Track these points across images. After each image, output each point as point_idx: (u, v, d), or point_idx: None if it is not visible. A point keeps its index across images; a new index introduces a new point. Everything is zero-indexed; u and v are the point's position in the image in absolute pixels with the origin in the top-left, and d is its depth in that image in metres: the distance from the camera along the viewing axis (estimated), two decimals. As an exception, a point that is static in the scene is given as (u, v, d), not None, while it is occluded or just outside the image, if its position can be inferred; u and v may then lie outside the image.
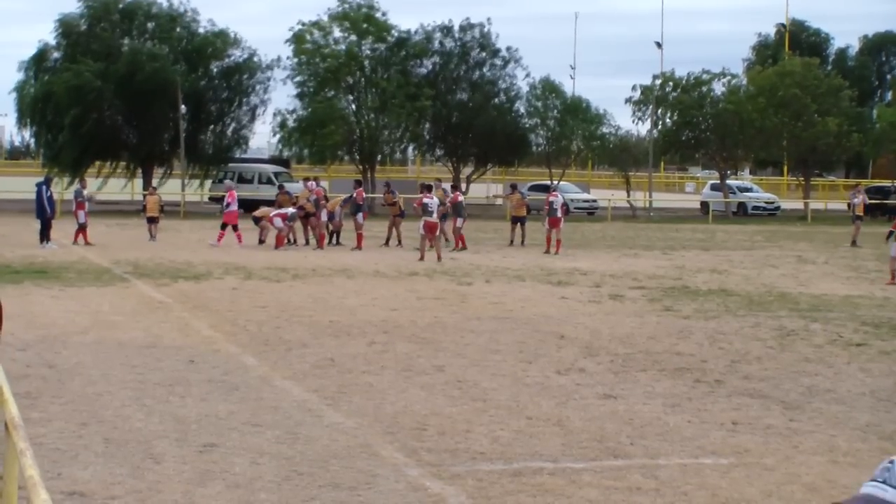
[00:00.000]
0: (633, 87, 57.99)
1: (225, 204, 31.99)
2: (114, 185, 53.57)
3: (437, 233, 28.53)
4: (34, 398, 10.89)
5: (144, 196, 33.85)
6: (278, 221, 30.83)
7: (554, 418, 10.54)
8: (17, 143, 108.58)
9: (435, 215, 28.44)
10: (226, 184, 34.58)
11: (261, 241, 31.54)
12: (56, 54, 52.16)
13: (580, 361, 13.59)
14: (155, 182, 46.98)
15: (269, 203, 34.78)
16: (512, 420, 10.39)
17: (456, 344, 14.75)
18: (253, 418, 10.25)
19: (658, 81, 58.67)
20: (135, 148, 52.92)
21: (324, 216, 31.71)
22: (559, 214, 31.56)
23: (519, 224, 33.54)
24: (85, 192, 32.09)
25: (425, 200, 28.60)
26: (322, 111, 51.57)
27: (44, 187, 30.29)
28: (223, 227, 31.38)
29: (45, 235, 29.59)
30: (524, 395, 11.58)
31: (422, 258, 27.53)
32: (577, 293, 20.86)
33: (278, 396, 11.27)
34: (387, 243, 32.09)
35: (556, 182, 49.68)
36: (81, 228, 30.54)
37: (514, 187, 36.10)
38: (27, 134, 61.65)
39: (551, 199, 32.22)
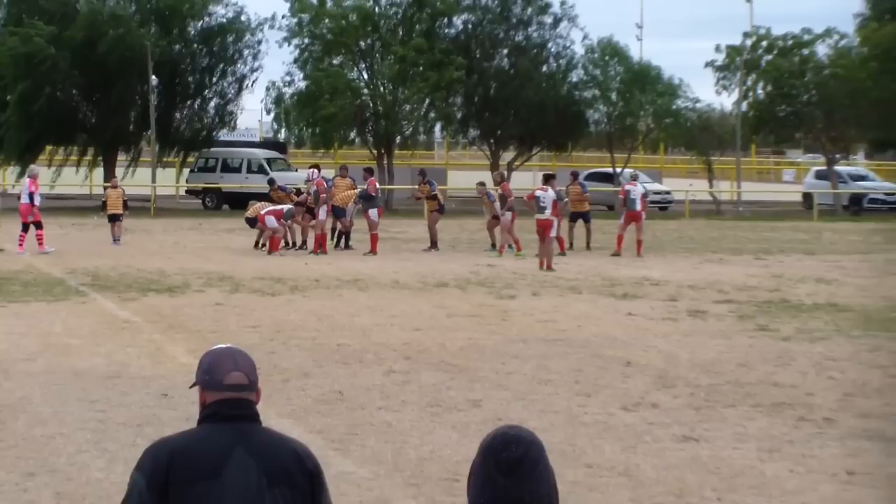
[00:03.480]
0: (717, 49, 57.89)
1: (25, 194, 30.09)
2: (68, 176, 53.83)
3: (552, 234, 27.97)
4: (-31, 442, 10.93)
5: (105, 189, 33.86)
6: (271, 220, 30.70)
7: (620, 466, 10.52)
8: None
9: (549, 211, 27.99)
10: (30, 169, 32.50)
11: (258, 245, 31.54)
12: (-1, 15, 52.67)
13: (652, 394, 13.55)
14: (119, 172, 47.20)
15: (263, 197, 34.57)
16: (567, 468, 10.31)
17: (496, 373, 14.74)
18: (241, 467, 10.21)
19: (748, 42, 58.47)
20: (95, 129, 53.27)
21: (322, 213, 31.44)
22: (638, 207, 31.69)
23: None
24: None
25: (538, 193, 28.75)
26: (325, 81, 51.39)
27: None
28: (35, 226, 29.87)
29: None
30: (582, 436, 11.54)
31: (547, 266, 26.92)
32: (647, 308, 20.82)
33: (273, 439, 11.23)
34: (433, 246, 32.12)
35: (633, 171, 48.35)
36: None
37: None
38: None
39: (628, 188, 32.71)
